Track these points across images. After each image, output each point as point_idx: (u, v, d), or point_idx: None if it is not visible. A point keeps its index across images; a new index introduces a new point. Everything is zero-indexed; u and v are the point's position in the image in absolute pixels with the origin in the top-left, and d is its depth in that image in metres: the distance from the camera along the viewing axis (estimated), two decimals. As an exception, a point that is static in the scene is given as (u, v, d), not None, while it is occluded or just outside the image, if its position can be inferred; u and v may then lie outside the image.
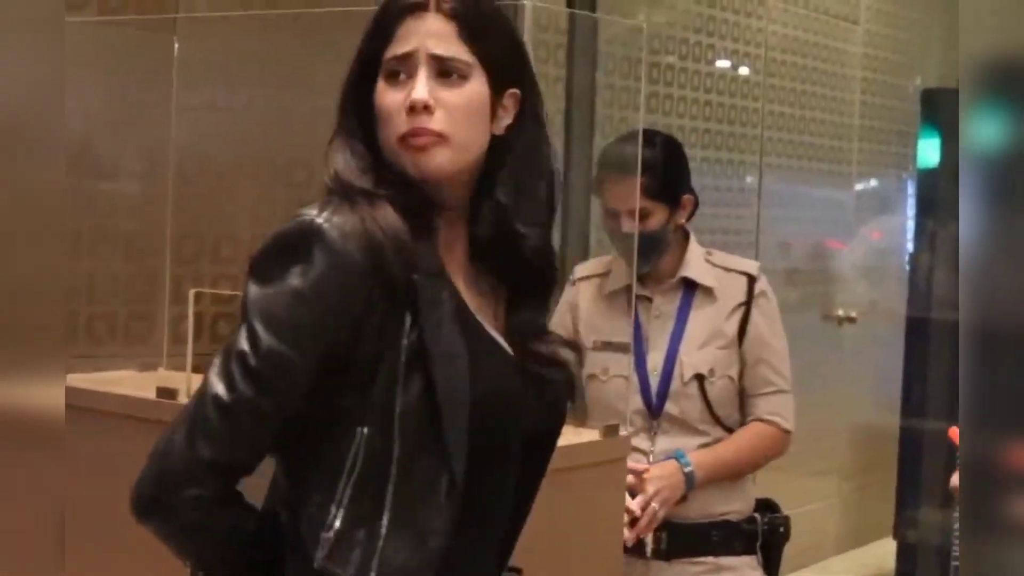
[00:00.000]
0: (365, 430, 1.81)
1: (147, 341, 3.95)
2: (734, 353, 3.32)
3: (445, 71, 1.87)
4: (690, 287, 3.36)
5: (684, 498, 3.26)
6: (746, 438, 3.34)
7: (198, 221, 4.05)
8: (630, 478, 3.17)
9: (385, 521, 1.81)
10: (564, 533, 2.69)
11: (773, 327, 3.38)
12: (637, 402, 3.31)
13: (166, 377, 3.30)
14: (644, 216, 3.23)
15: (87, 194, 3.91)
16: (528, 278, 2.00)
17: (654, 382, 3.32)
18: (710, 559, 3.32)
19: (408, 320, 1.81)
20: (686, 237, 3.39)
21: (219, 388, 1.79)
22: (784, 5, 6.70)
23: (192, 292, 3.24)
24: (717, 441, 3.32)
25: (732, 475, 3.33)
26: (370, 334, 1.80)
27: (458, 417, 1.81)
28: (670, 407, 3.31)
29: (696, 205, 3.39)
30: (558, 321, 3.40)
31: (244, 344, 1.79)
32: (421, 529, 1.81)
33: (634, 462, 3.20)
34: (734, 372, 3.32)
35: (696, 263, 3.36)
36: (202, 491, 1.80)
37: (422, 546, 1.81)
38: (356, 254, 1.78)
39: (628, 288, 3.30)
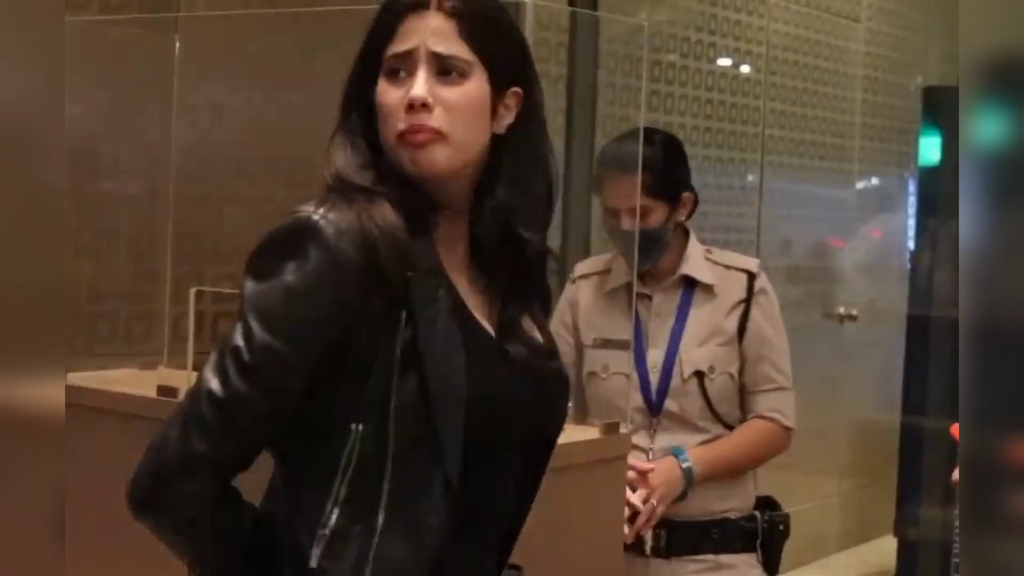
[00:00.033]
0: (360, 427, 1.81)
1: (148, 340, 3.96)
2: (734, 350, 3.32)
3: (445, 69, 1.87)
4: (690, 285, 3.36)
5: (684, 495, 3.26)
6: (746, 435, 3.34)
7: (199, 220, 4.05)
8: (631, 474, 3.17)
9: (381, 518, 1.81)
10: (565, 531, 2.69)
11: (773, 324, 3.38)
12: (637, 399, 3.32)
13: (167, 375, 3.30)
14: (644, 214, 3.23)
15: (88, 193, 3.91)
16: (524, 277, 2.01)
17: (654, 379, 3.32)
18: (710, 557, 3.32)
19: (403, 317, 1.81)
20: (686, 235, 3.40)
21: (214, 384, 1.80)
22: (786, 3, 6.70)
23: (193, 291, 3.24)
24: (717, 438, 3.32)
25: (732, 472, 3.33)
26: (365, 331, 1.80)
27: (452, 415, 1.81)
28: (670, 404, 3.31)
29: (696, 203, 3.39)
30: (558, 319, 3.40)
31: (239, 339, 1.80)
32: (417, 526, 1.81)
33: (634, 459, 3.20)
34: (734, 369, 3.32)
35: (696, 261, 3.37)
36: (197, 486, 1.81)
37: (418, 543, 1.81)
38: (351, 251, 1.79)
39: (628, 286, 3.30)
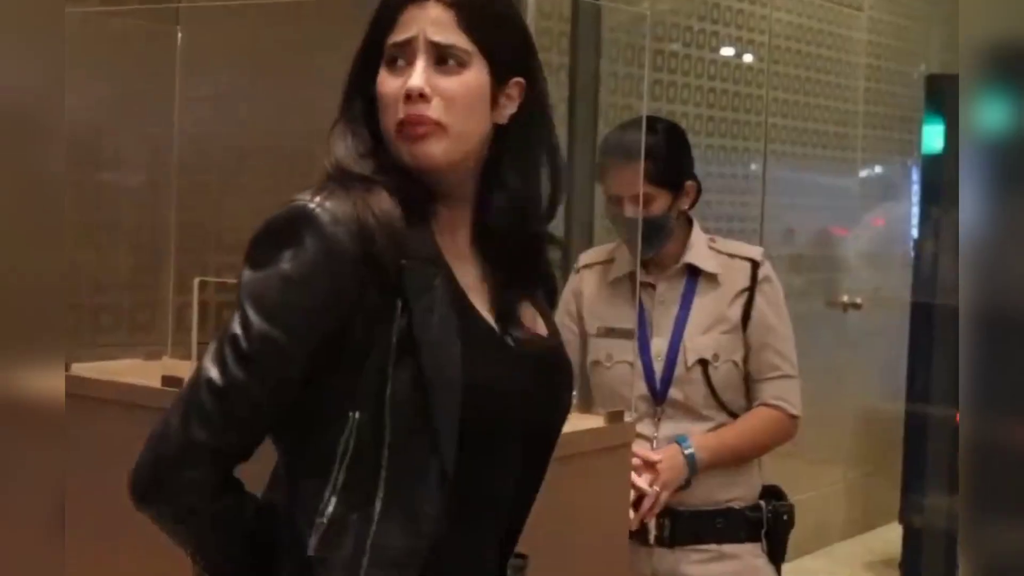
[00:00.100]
0: (357, 415, 1.81)
1: (152, 330, 3.96)
2: (738, 338, 3.32)
3: (443, 58, 1.87)
4: (694, 273, 3.36)
5: (688, 483, 3.26)
6: (750, 423, 3.34)
7: (202, 210, 4.06)
8: (635, 461, 3.16)
9: (378, 507, 1.81)
10: (569, 519, 2.69)
11: (778, 312, 3.38)
12: (641, 388, 3.32)
13: (171, 366, 3.30)
14: (647, 201, 3.23)
15: (91, 184, 3.92)
16: (528, 266, 2.01)
17: (658, 368, 3.33)
18: (713, 546, 3.32)
19: (399, 306, 1.81)
20: (689, 224, 3.40)
21: (213, 372, 1.81)
22: (788, -8, 6.70)
23: (196, 281, 3.24)
24: (721, 427, 3.33)
25: (736, 459, 3.33)
26: (362, 319, 1.81)
27: (448, 404, 1.81)
28: (674, 393, 3.32)
29: (699, 192, 3.39)
30: (563, 309, 3.40)
31: (237, 328, 1.80)
32: (414, 514, 1.81)
33: (638, 448, 3.20)
34: (738, 357, 3.32)
35: (699, 249, 3.37)
36: (198, 474, 1.81)
37: (415, 531, 1.81)
38: (346, 239, 1.79)
39: (632, 275, 3.30)
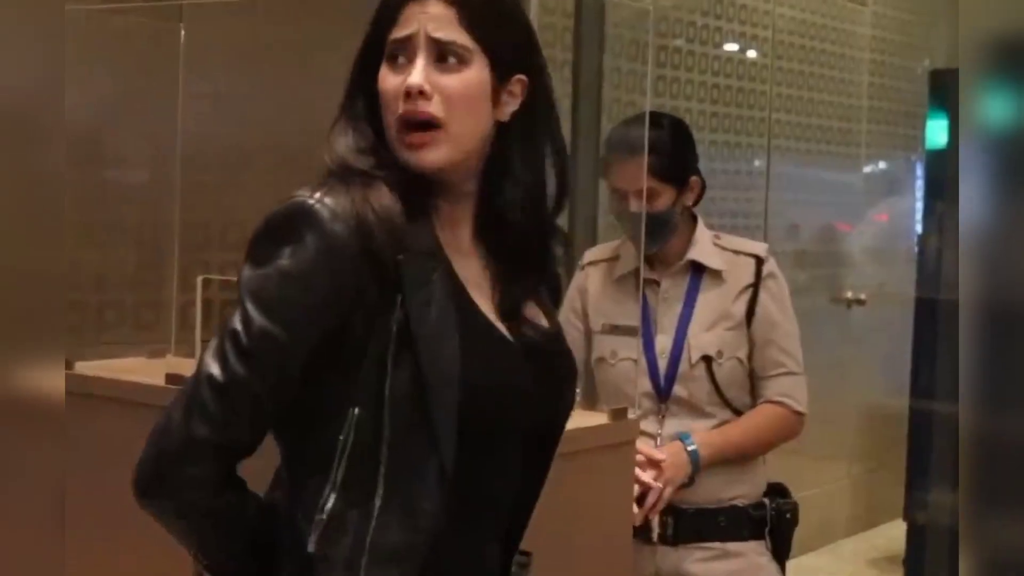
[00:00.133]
0: (356, 411, 1.81)
1: (156, 328, 3.96)
2: (742, 335, 3.32)
3: (443, 55, 1.87)
4: (698, 270, 3.36)
5: (692, 481, 3.26)
6: (754, 420, 3.34)
7: (205, 208, 4.06)
8: (639, 458, 3.16)
9: (378, 503, 1.81)
10: (573, 516, 2.69)
11: (782, 308, 3.37)
12: (645, 385, 3.31)
13: (175, 363, 3.30)
14: (651, 197, 3.22)
15: (94, 183, 3.92)
16: (531, 262, 2.01)
17: (662, 365, 3.32)
18: (717, 544, 3.31)
19: (398, 300, 1.81)
20: (694, 220, 3.39)
21: (214, 368, 1.81)
22: (791, -13, 6.69)
23: (200, 279, 3.24)
24: (726, 423, 3.32)
25: (740, 456, 3.32)
26: (362, 315, 1.80)
27: (446, 400, 1.81)
28: (678, 389, 3.31)
29: (703, 188, 3.39)
30: (568, 306, 3.40)
31: (237, 324, 1.80)
32: (412, 511, 1.81)
33: (643, 445, 3.19)
34: (743, 354, 3.32)
35: (704, 246, 3.36)
36: (199, 470, 1.81)
37: (413, 527, 1.81)
38: (345, 235, 1.79)
39: (637, 272, 3.30)
